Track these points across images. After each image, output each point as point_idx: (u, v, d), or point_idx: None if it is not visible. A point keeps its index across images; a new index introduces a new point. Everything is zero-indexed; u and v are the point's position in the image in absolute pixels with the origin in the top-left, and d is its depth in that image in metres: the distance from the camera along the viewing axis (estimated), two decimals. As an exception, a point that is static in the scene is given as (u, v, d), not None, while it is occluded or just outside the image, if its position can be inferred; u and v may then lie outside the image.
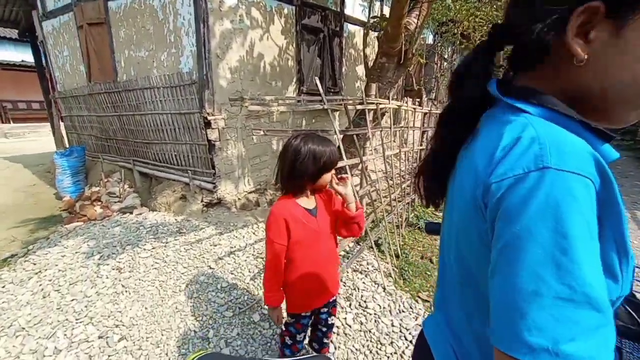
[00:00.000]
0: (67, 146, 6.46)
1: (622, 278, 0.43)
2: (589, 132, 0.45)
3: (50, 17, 5.59)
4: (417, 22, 3.47)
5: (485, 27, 5.73)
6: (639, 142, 11.21)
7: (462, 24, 5.46)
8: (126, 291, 2.54)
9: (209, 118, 3.44)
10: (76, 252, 3.10)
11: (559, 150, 0.39)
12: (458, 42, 6.52)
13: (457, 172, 0.56)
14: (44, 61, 6.52)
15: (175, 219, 3.75)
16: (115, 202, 4.47)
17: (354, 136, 2.81)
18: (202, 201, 3.85)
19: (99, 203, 4.43)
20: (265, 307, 2.23)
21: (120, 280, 2.65)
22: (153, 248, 3.14)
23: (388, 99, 3.41)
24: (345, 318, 2.24)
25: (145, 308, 2.36)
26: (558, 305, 0.34)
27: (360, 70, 5.71)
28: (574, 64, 0.43)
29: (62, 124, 6.71)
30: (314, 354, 1.61)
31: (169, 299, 2.45)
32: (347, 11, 5.24)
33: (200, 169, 3.90)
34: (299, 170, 1.24)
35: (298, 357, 0.82)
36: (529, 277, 0.35)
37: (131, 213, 4.09)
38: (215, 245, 3.05)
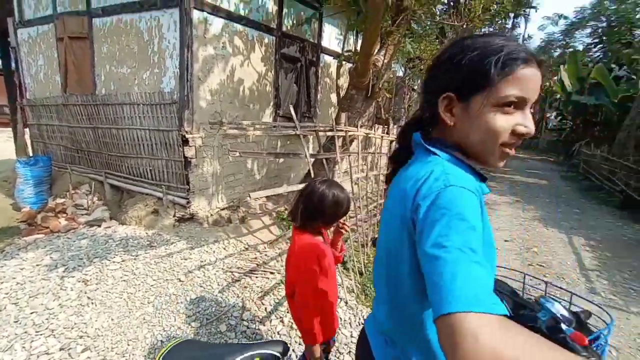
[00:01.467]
0: (31, 155, 6.26)
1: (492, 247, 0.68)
2: (473, 173, 0.69)
3: (27, 25, 5.58)
4: (384, 60, 3.88)
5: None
6: (580, 174, 12.46)
7: (426, 61, 6.07)
8: (92, 303, 2.55)
9: (187, 136, 3.60)
10: (37, 265, 3.04)
11: (456, 177, 0.61)
12: (424, 76, 7.17)
13: (390, 193, 0.80)
14: (14, 67, 6.38)
15: (147, 233, 3.78)
16: (83, 215, 4.40)
17: (324, 160, 3.08)
18: (174, 216, 3.92)
19: (64, 215, 4.34)
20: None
21: (86, 293, 2.65)
22: (122, 261, 3.16)
23: (357, 127, 3.75)
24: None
25: (112, 319, 2.39)
26: (462, 271, 0.48)
27: (334, 98, 6.11)
28: (450, 127, 0.69)
29: (27, 131, 6.50)
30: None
31: (137, 310, 2.50)
32: (324, 43, 5.67)
33: (175, 185, 3.99)
34: (322, 212, 1.40)
35: (255, 342, 0.99)
36: (452, 254, 0.51)
37: (99, 226, 4.06)
38: (186, 259, 3.14)
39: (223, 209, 4.23)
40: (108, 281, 2.81)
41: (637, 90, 10.32)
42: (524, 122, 0.62)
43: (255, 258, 3.30)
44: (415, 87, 9.75)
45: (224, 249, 3.40)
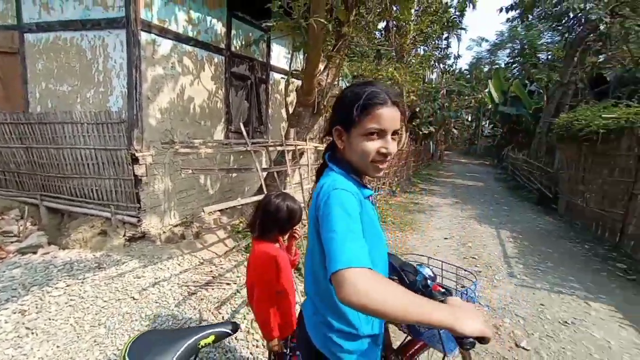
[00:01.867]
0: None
1: (379, 237, 0.95)
2: (358, 184, 0.96)
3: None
4: (327, 80, 4.25)
5: (386, 83, 7.05)
6: (509, 176, 14.14)
7: (368, 78, 6.65)
8: (32, 333, 2.44)
9: (136, 155, 3.60)
10: (-46, 303, 2.81)
11: (340, 184, 0.87)
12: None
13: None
14: None
15: (94, 255, 3.66)
16: (13, 242, 4.10)
17: (275, 173, 3.31)
18: (124, 235, 3.84)
19: (-12, 244, 4.00)
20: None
21: (24, 323, 2.53)
22: (67, 286, 3.05)
23: (305, 141, 4.05)
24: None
25: (57, 346, 2.32)
26: (343, 244, 0.74)
27: (285, 113, 6.40)
28: (342, 150, 0.96)
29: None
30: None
31: (87, 334, 2.46)
32: (273, 62, 5.96)
33: (124, 203, 3.92)
34: (277, 222, 1.62)
35: (210, 324, 1.16)
36: (337, 234, 0.76)
37: (35, 253, 3.81)
38: (139, 278, 3.13)
39: (176, 226, 4.22)
40: (51, 308, 2.70)
41: (543, 103, 12.11)
42: (384, 145, 0.88)
43: (211, 271, 3.38)
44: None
45: (179, 264, 3.43)
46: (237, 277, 3.31)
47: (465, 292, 1.24)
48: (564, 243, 5.45)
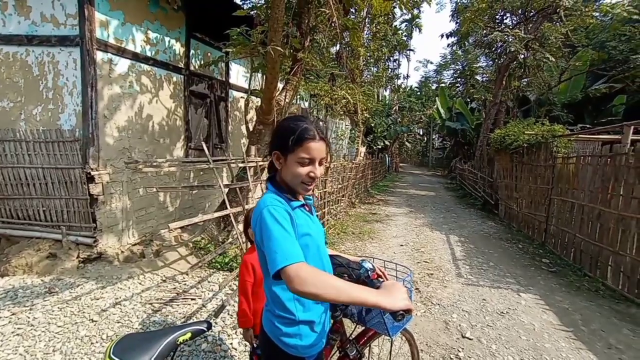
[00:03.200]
0: None
1: (313, 238, 1.14)
2: (287, 199, 1.14)
3: None
4: (286, 99, 4.51)
5: (342, 101, 7.52)
6: (457, 185, 15.38)
7: (324, 97, 7.04)
8: (-24, 369, 2.31)
9: (92, 173, 3.52)
10: None
11: (271, 202, 1.07)
12: (324, 109, 8.18)
13: None
14: None
15: (42, 280, 3.45)
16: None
17: (237, 189, 3.44)
18: (78, 257, 3.67)
19: None
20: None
21: (-36, 359, 2.37)
22: (13, 314, 2.87)
23: (266, 157, 4.23)
24: (231, 343, 2.65)
25: (9, 378, 2.23)
26: (279, 246, 0.94)
27: (245, 129, 6.54)
28: (280, 171, 1.17)
29: None
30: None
31: (41, 362, 2.36)
32: (232, 80, 6.11)
33: (78, 224, 3.76)
34: None
35: (186, 323, 1.27)
36: (273, 240, 0.99)
37: (-32, 282, 3.50)
38: (98, 299, 3.03)
39: (135, 244, 4.12)
40: (-5, 340, 2.54)
41: (482, 119, 13.53)
42: (313, 170, 1.08)
43: (175, 288, 3.37)
44: (320, 117, 10.89)
45: (140, 283, 3.37)
46: (202, 292, 3.34)
47: (403, 281, 1.50)
48: (503, 244, 6.11)
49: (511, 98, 11.17)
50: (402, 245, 5.89)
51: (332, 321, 1.33)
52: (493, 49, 11.44)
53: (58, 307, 2.93)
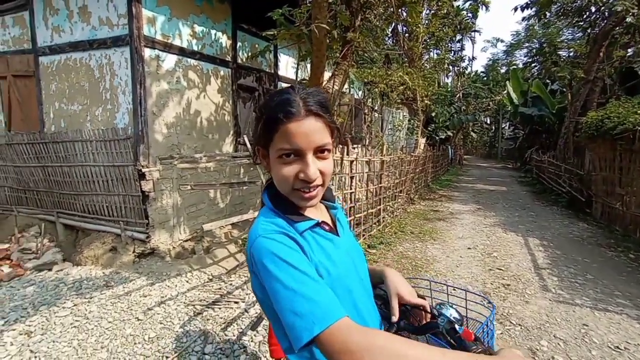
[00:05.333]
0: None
1: (335, 275, 0.73)
2: (296, 218, 0.74)
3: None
4: (335, 87, 4.12)
5: (399, 88, 6.86)
6: (534, 179, 13.45)
7: (379, 84, 6.48)
8: (35, 357, 2.38)
9: (143, 170, 3.56)
10: (-30, 323, 2.80)
11: (262, 230, 0.68)
12: (379, 98, 7.60)
13: None
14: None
15: (103, 272, 3.62)
16: (31, 259, 4.14)
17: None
18: (134, 252, 3.79)
19: (8, 262, 4.05)
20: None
21: (28, 346, 2.47)
22: (74, 305, 3.00)
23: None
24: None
25: (58, 372, 2.24)
26: (296, 302, 0.57)
27: (295, 122, 6.31)
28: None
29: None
30: None
31: (89, 358, 2.36)
32: (281, 72, 5.92)
33: (133, 220, 3.89)
34: None
35: None
36: (283, 296, 0.59)
37: (50, 270, 3.83)
38: (145, 296, 3.03)
39: (186, 241, 4.14)
40: (56, 330, 2.64)
41: (567, 102, 11.53)
42: (302, 168, 0.68)
43: (220, 288, 3.25)
44: (375, 108, 10.28)
45: (187, 282, 3.32)
46: (246, 294, 3.16)
47: (486, 324, 1.02)
48: (604, 251, 4.97)
49: (611, 73, 9.21)
50: (469, 249, 5.15)
51: None
52: (585, 15, 9.55)
53: (111, 302, 2.98)
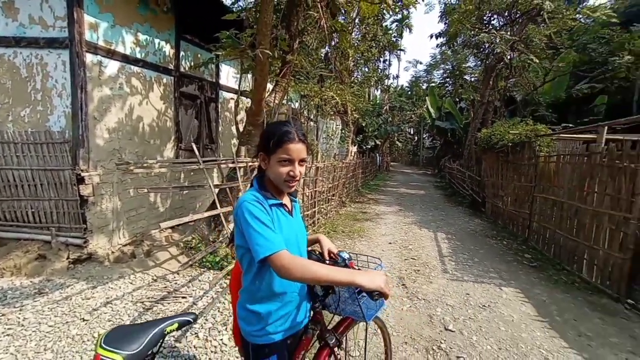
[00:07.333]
0: None
1: (282, 235, 1.21)
2: (265, 197, 1.22)
3: None
4: (275, 101, 4.59)
5: (332, 101, 7.62)
6: (447, 183, 15.63)
7: (314, 97, 7.13)
8: (-33, 369, 2.34)
9: (82, 174, 3.54)
10: None
11: (249, 198, 1.16)
12: (314, 109, 8.27)
13: None
14: None
15: (31, 281, 3.47)
16: None
17: (227, 189, 3.50)
18: (68, 258, 3.70)
19: None
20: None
21: (-43, 361, 2.40)
22: (2, 315, 2.90)
23: (257, 157, 4.30)
24: (222, 339, 2.72)
25: (0, 378, 2.26)
26: (259, 238, 1.07)
27: (235, 130, 6.59)
28: (266, 170, 1.25)
29: None
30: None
31: (31, 360, 2.40)
32: (222, 81, 6.15)
33: (68, 225, 3.79)
34: None
35: (173, 315, 1.35)
36: (252, 233, 1.09)
37: (-40, 285, 3.50)
38: (89, 299, 3.07)
39: (125, 245, 4.15)
40: (-15, 341, 2.57)
41: (470, 119, 13.81)
42: (292, 170, 1.17)
43: (166, 287, 3.42)
44: (311, 117, 10.97)
45: (131, 283, 3.41)
46: (193, 290, 3.40)
47: (374, 270, 1.63)
48: (489, 241, 6.29)
49: (498, 98, 11.44)
50: (390, 243, 6.01)
51: (312, 312, 1.43)
52: (481, 49, 11.67)
53: (48, 308, 2.96)
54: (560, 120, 10.57)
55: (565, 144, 6.37)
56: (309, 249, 1.49)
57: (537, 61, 9.04)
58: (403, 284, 4.06)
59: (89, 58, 3.61)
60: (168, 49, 4.78)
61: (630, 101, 10.15)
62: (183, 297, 3.21)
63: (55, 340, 2.59)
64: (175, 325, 1.29)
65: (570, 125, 9.23)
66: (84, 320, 2.80)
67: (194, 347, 2.60)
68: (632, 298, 3.62)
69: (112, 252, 3.95)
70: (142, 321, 2.80)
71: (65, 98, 3.63)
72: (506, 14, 10.35)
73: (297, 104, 9.62)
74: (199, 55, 5.42)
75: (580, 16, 9.50)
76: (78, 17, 3.49)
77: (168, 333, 1.26)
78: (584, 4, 12.00)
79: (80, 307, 2.97)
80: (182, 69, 5.08)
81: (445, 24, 14.33)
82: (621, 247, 3.69)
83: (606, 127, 4.39)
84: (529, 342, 2.83)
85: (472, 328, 3.10)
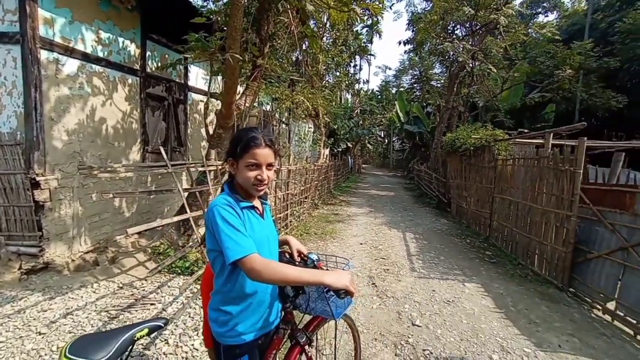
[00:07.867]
0: None
1: (253, 239, 1.24)
2: (237, 200, 1.26)
3: None
4: (246, 104, 4.57)
5: (302, 106, 7.69)
6: (415, 185, 16.21)
7: (285, 100, 7.17)
8: None
9: (37, 179, 3.33)
10: None
11: (220, 202, 1.19)
12: (286, 112, 8.30)
13: None
14: None
15: (-22, 295, 3.21)
16: None
17: (197, 192, 3.45)
18: (20, 268, 3.45)
19: None
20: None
21: None
22: (-57, 334, 2.66)
23: (226, 161, 4.26)
24: (192, 344, 2.68)
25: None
26: (230, 242, 1.10)
27: (205, 133, 6.45)
28: (235, 175, 1.29)
29: None
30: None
31: (-20, 379, 2.24)
32: (191, 82, 6.01)
33: (20, 233, 3.54)
34: None
35: (144, 320, 1.34)
36: (224, 236, 1.12)
37: None
38: (46, 311, 2.89)
39: (87, 252, 3.94)
40: None
41: (435, 122, 14.47)
42: (259, 174, 1.21)
43: (133, 294, 3.30)
44: (283, 119, 10.97)
45: (94, 292, 3.25)
46: (162, 296, 3.30)
47: (342, 268, 1.70)
48: (453, 239, 6.62)
49: (462, 104, 12.10)
50: (361, 244, 6.15)
51: (283, 312, 1.47)
52: (446, 57, 12.30)
53: (-1, 322, 2.76)
54: (517, 126, 11.39)
55: (521, 148, 6.88)
56: (280, 250, 1.53)
57: (495, 71, 9.71)
58: (373, 283, 4.18)
59: (44, 55, 3.41)
60: (133, 49, 4.61)
61: (573, 110, 11.19)
62: (152, 304, 3.11)
63: (8, 356, 2.43)
64: (146, 330, 1.28)
65: (526, 130, 9.97)
66: (40, 333, 2.64)
67: (164, 354, 2.54)
68: (573, 287, 4.02)
69: (73, 260, 3.74)
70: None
71: (16, 97, 3.40)
72: (467, 25, 11.02)
73: (268, 107, 9.59)
74: (166, 56, 5.27)
75: (532, 31, 10.34)
76: (31, 11, 3.28)
77: (138, 339, 1.24)
78: (534, 20, 13.05)
79: (36, 320, 2.79)
80: (148, 70, 4.91)
81: (412, 31, 14.95)
82: (564, 242, 4.07)
83: (552, 134, 4.82)
84: (487, 332, 3.04)
85: (438, 322, 3.27)
